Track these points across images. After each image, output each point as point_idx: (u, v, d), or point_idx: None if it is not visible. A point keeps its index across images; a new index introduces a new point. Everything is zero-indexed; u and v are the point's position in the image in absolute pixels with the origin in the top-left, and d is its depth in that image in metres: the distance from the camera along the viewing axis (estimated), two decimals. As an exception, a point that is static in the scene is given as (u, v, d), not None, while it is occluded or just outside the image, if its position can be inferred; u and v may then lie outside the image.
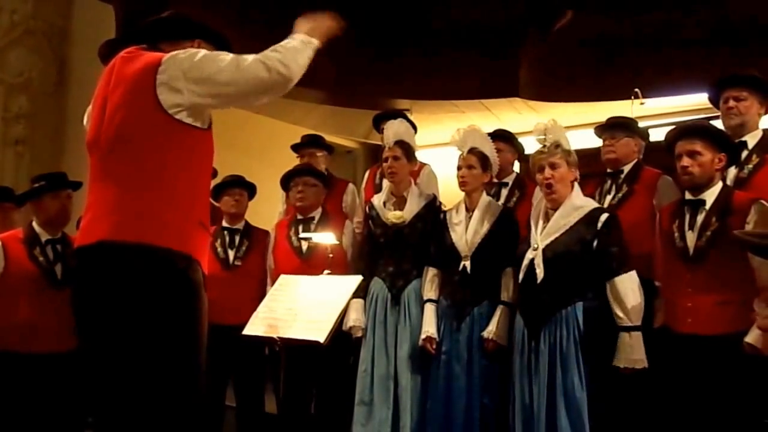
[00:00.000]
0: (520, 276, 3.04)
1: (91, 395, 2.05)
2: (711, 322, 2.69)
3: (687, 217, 2.84)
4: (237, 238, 3.98)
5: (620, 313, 2.85)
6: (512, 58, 5.43)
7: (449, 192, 3.98)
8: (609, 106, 5.13)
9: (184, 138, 2.02)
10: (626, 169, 3.43)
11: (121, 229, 1.96)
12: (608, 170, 3.49)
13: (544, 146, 3.04)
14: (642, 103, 5.11)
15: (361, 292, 3.41)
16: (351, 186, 4.56)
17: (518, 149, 4.11)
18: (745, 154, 3.05)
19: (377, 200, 3.67)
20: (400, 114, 4.18)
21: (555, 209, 3.01)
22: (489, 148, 3.42)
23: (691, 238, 2.80)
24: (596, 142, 3.64)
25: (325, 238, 3.47)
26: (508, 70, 5.46)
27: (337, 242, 3.50)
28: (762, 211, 2.68)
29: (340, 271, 3.39)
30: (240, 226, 4.03)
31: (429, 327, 3.32)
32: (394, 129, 3.61)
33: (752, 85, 3.13)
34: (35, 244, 3.38)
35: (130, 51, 2.10)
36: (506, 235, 3.25)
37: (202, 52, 2.04)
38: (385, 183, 3.70)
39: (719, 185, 2.83)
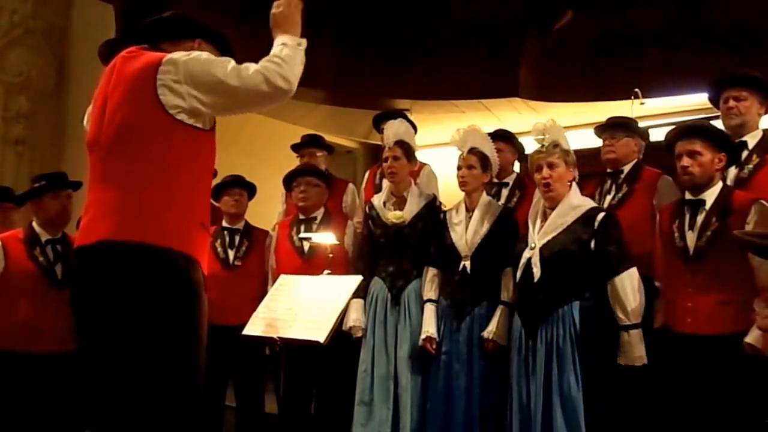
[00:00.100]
0: (518, 275, 3.05)
1: (91, 395, 2.05)
2: (711, 322, 2.69)
3: (687, 217, 2.84)
4: (237, 238, 3.98)
5: (620, 314, 2.86)
6: (512, 58, 5.43)
7: (449, 192, 3.98)
8: (609, 106, 5.13)
9: (185, 138, 2.02)
10: (626, 169, 3.43)
11: (121, 228, 1.96)
12: (608, 170, 3.49)
13: (543, 146, 3.04)
14: (642, 103, 5.11)
15: (361, 292, 3.41)
16: (351, 186, 4.56)
17: (518, 149, 4.11)
18: (745, 154, 3.05)
19: (377, 200, 3.67)
20: (400, 114, 4.18)
21: (553, 208, 3.02)
22: (489, 148, 3.42)
23: (691, 238, 2.80)
24: (596, 142, 3.64)
25: (325, 238, 3.47)
26: (508, 70, 5.46)
27: (337, 242, 3.50)
28: (762, 211, 2.68)
29: (341, 271, 3.39)
30: (240, 226, 4.03)
31: (429, 327, 3.32)
32: (394, 129, 3.61)
33: (752, 85, 3.13)
34: (35, 244, 3.37)
35: (131, 51, 2.10)
36: (506, 235, 3.25)
37: (204, 56, 2.04)
38: (385, 183, 3.70)
39: (719, 185, 2.83)
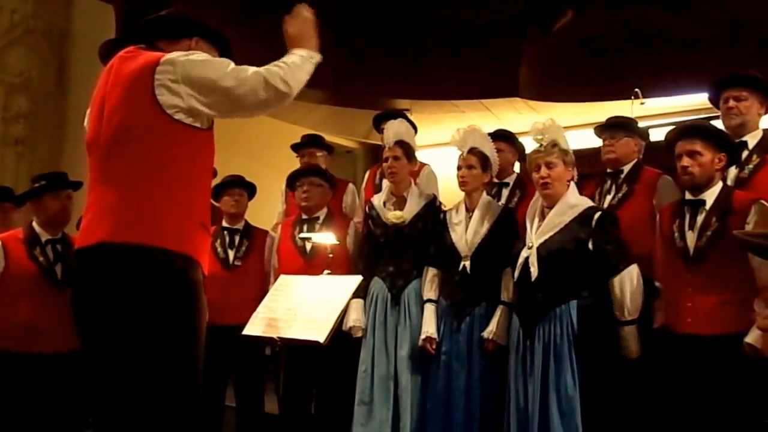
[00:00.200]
0: (515, 274, 3.05)
1: (92, 395, 2.05)
2: (711, 322, 2.69)
3: (687, 217, 2.84)
4: (237, 238, 3.98)
5: (618, 311, 2.88)
6: (512, 58, 5.43)
7: (449, 192, 3.98)
8: (609, 106, 5.13)
9: (184, 138, 2.02)
10: (626, 169, 3.43)
11: (120, 230, 1.95)
12: (608, 170, 3.49)
13: (541, 145, 3.05)
14: (642, 103, 5.11)
15: (361, 292, 3.41)
16: (351, 186, 4.56)
17: (519, 149, 4.10)
18: (745, 154, 3.05)
19: (377, 200, 3.66)
20: (400, 114, 4.18)
21: (550, 208, 3.02)
22: (489, 148, 3.42)
23: (691, 238, 2.80)
24: (596, 142, 3.64)
25: (324, 238, 3.47)
26: (508, 70, 5.46)
27: (337, 242, 3.50)
28: (762, 211, 2.68)
29: (341, 271, 3.39)
30: (240, 226, 4.03)
31: (429, 327, 3.32)
32: (394, 129, 3.61)
33: (752, 85, 3.13)
34: (35, 244, 3.37)
35: (128, 51, 2.09)
36: (506, 235, 3.25)
37: (203, 56, 2.03)
38: (385, 183, 3.70)
39: (719, 185, 2.83)
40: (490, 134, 3.58)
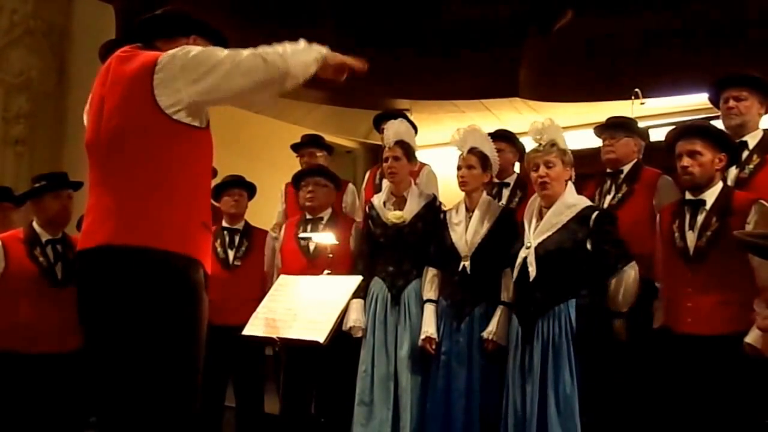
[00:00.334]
0: (514, 274, 3.05)
1: (94, 395, 2.05)
2: (711, 322, 2.69)
3: (687, 217, 2.84)
4: (237, 239, 3.98)
5: (612, 305, 2.92)
6: (512, 58, 5.43)
7: (449, 192, 3.98)
8: (609, 106, 5.13)
9: (183, 138, 2.01)
10: (626, 169, 3.43)
11: (120, 233, 1.95)
12: (608, 170, 3.49)
13: (540, 145, 3.05)
14: (642, 103, 5.11)
15: (361, 292, 3.41)
16: (351, 186, 4.56)
17: (519, 149, 4.10)
18: (745, 154, 3.05)
19: (377, 200, 3.66)
20: (400, 114, 4.18)
21: (548, 207, 3.03)
22: (489, 148, 3.42)
23: (691, 238, 2.80)
24: (596, 142, 3.64)
25: (324, 238, 3.47)
26: (508, 70, 5.47)
27: (337, 242, 3.50)
28: (762, 212, 2.68)
29: (342, 271, 3.39)
30: (240, 226, 4.03)
31: (428, 327, 3.32)
32: (394, 129, 3.61)
33: (752, 85, 3.13)
34: (35, 244, 3.37)
35: (125, 51, 2.08)
36: (506, 235, 3.25)
37: (198, 48, 2.01)
38: (385, 183, 3.70)
39: (719, 185, 2.83)
40: (490, 134, 3.58)
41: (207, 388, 2.13)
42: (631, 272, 2.89)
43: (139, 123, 1.98)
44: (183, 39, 2.14)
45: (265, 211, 4.71)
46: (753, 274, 2.66)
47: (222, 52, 1.98)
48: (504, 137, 3.95)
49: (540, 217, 3.06)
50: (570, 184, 3.06)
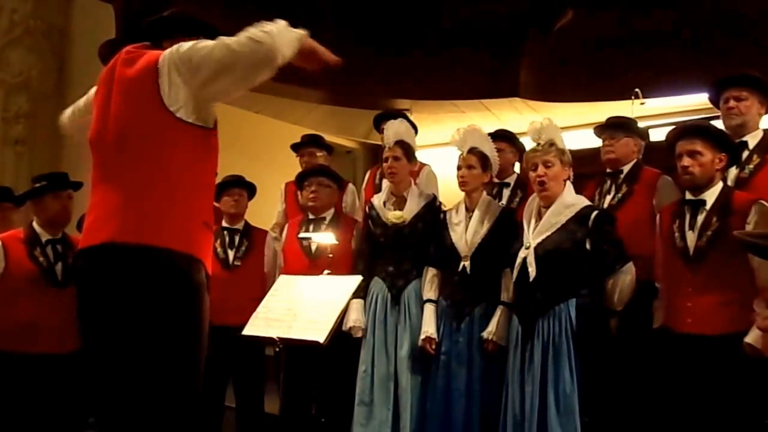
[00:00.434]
0: (514, 274, 3.05)
1: (93, 394, 2.05)
2: (711, 322, 2.69)
3: (687, 217, 2.84)
4: (237, 238, 3.98)
5: (609, 304, 2.92)
6: (512, 58, 5.43)
7: (449, 192, 3.98)
8: (609, 106, 5.13)
9: (189, 137, 2.02)
10: (626, 169, 3.43)
11: (124, 230, 1.96)
12: (608, 170, 3.49)
13: (539, 144, 3.05)
14: (642, 103, 5.11)
15: (360, 292, 3.41)
16: (351, 186, 4.56)
17: (519, 149, 4.10)
18: (745, 154, 3.05)
19: (377, 200, 3.66)
20: (400, 114, 4.18)
21: (547, 207, 3.03)
22: (489, 148, 3.42)
23: (691, 238, 2.80)
24: (596, 142, 3.64)
25: (324, 238, 3.47)
26: (508, 70, 5.46)
27: (336, 242, 3.50)
28: (762, 212, 2.68)
29: (344, 272, 3.39)
30: (240, 226, 4.03)
31: (428, 327, 3.31)
32: (394, 129, 3.61)
33: (752, 85, 3.13)
34: (36, 244, 3.37)
35: (130, 50, 2.09)
36: (506, 235, 3.25)
37: (188, 43, 2.00)
38: (385, 183, 3.70)
39: (719, 185, 2.83)
40: (490, 134, 3.58)
41: (207, 388, 2.13)
42: (627, 273, 2.90)
43: (147, 122, 1.99)
44: (189, 40, 2.14)
45: (265, 211, 4.71)
46: (753, 274, 2.66)
47: (210, 42, 1.96)
48: (504, 137, 3.95)
49: (539, 217, 3.06)
50: (569, 184, 3.06)
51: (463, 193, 3.43)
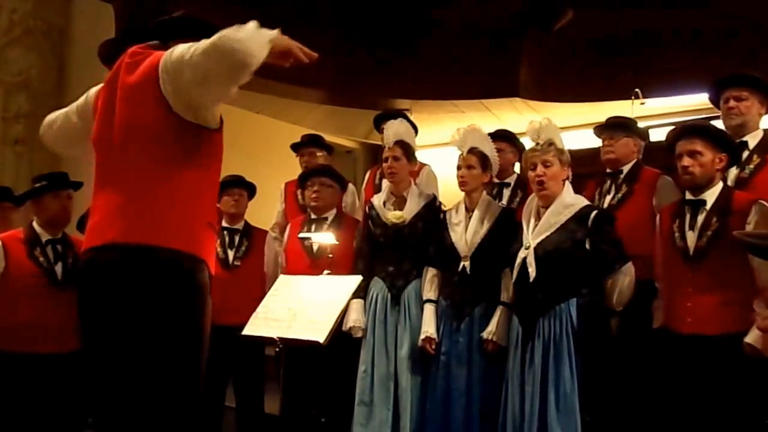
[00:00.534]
0: (513, 275, 3.05)
1: (92, 394, 2.05)
2: (711, 322, 2.69)
3: (687, 217, 2.84)
4: (237, 238, 3.98)
5: (608, 304, 2.92)
6: (512, 58, 5.43)
7: (449, 192, 3.98)
8: (609, 106, 5.13)
9: (193, 138, 2.01)
10: (626, 169, 3.43)
11: (129, 230, 1.96)
12: (608, 170, 3.49)
13: (538, 144, 3.05)
14: (642, 103, 5.11)
15: (360, 292, 3.40)
16: (351, 186, 4.56)
17: (520, 149, 4.09)
18: (746, 154, 3.05)
19: (377, 200, 3.66)
20: (400, 114, 4.18)
21: (546, 207, 3.03)
22: (489, 148, 3.41)
23: (691, 238, 2.80)
24: (596, 142, 3.64)
25: (324, 238, 3.47)
26: (508, 70, 5.47)
27: (337, 242, 3.50)
28: (762, 212, 2.68)
29: (345, 272, 3.39)
30: (239, 226, 4.03)
31: (428, 327, 3.31)
32: (394, 129, 3.61)
33: (753, 85, 3.13)
34: (36, 244, 3.37)
35: (136, 51, 2.08)
36: (506, 235, 3.24)
37: (180, 46, 1.96)
38: (385, 183, 3.70)
39: (720, 185, 2.83)
40: (490, 134, 3.58)
41: (207, 388, 2.13)
42: (627, 274, 2.90)
43: (151, 123, 1.98)
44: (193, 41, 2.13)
45: (265, 211, 4.71)
46: (753, 274, 2.66)
47: (186, 44, 1.91)
48: (504, 137, 3.95)
49: (538, 217, 3.06)
50: (568, 184, 3.06)
51: (463, 193, 3.43)
